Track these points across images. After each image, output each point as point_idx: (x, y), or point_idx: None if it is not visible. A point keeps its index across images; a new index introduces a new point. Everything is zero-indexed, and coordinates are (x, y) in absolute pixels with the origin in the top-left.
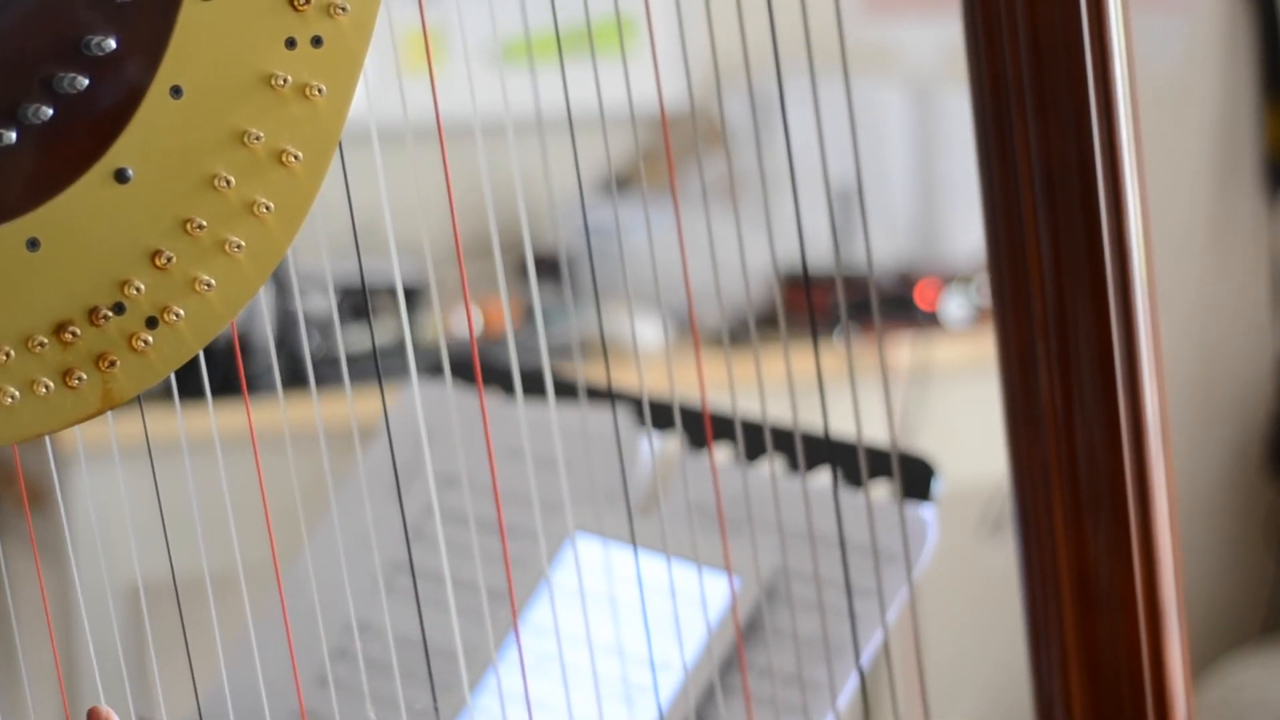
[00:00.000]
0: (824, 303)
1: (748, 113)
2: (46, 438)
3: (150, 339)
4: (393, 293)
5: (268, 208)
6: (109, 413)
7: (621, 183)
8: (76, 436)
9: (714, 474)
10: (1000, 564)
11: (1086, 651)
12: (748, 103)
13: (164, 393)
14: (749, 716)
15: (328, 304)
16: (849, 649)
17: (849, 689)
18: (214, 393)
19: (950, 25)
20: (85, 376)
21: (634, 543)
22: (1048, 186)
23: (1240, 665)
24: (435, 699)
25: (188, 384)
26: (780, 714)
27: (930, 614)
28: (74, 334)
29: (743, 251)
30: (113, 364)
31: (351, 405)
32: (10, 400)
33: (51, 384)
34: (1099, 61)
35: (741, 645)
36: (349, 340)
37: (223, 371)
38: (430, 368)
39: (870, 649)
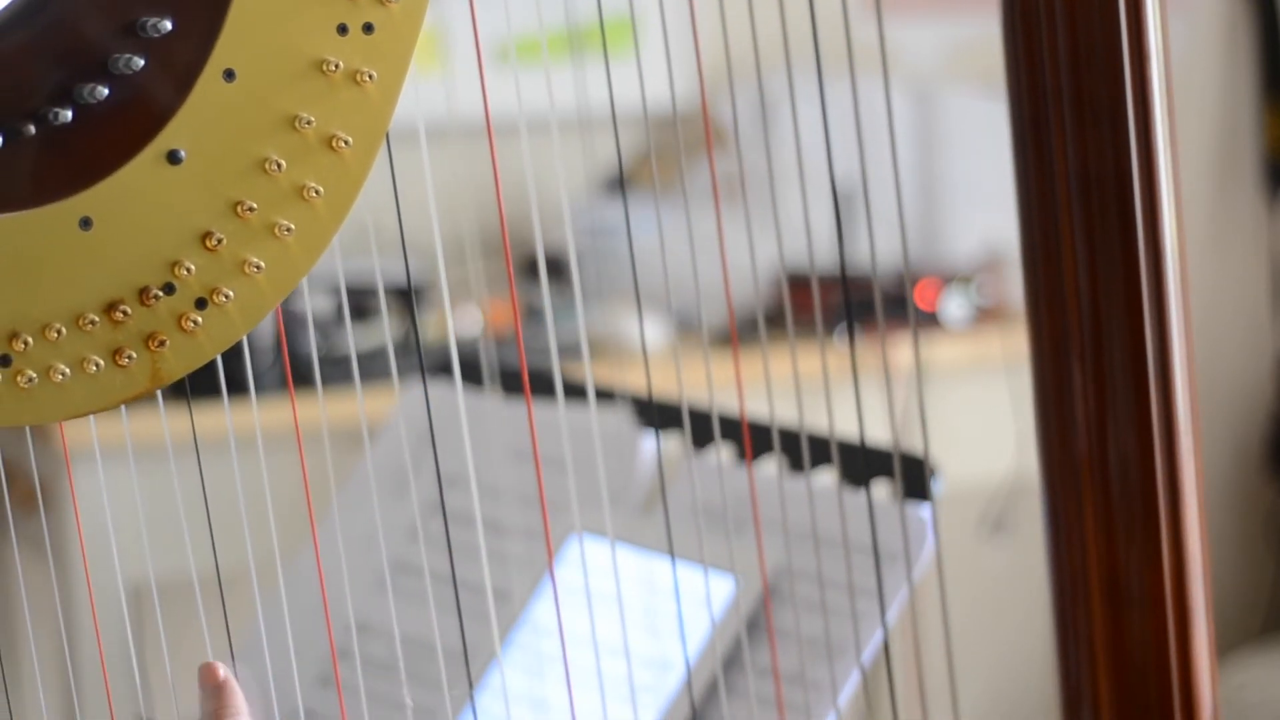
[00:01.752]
0: (825, 302)
1: (748, 113)
2: (58, 434)
3: (199, 319)
4: (393, 292)
5: (317, 192)
6: (110, 412)
7: (624, 182)
8: (79, 435)
9: (749, 475)
10: (1000, 564)
11: (1115, 651)
12: (749, 102)
13: (168, 392)
14: (751, 715)
15: (328, 304)
16: (850, 648)
17: (850, 688)
18: (215, 392)
19: (951, 25)
20: (135, 355)
21: (636, 542)
22: (1084, 188)
23: (1240, 665)
24: (447, 697)
25: (191, 383)
26: (781, 713)
27: (930, 614)
28: (124, 313)
29: (756, 250)
30: (162, 344)
31: (376, 403)
32: (60, 378)
33: (101, 362)
34: (1137, 65)
35: (772, 637)
36: (352, 340)
37: (225, 371)
38: (433, 367)
39: (871, 648)
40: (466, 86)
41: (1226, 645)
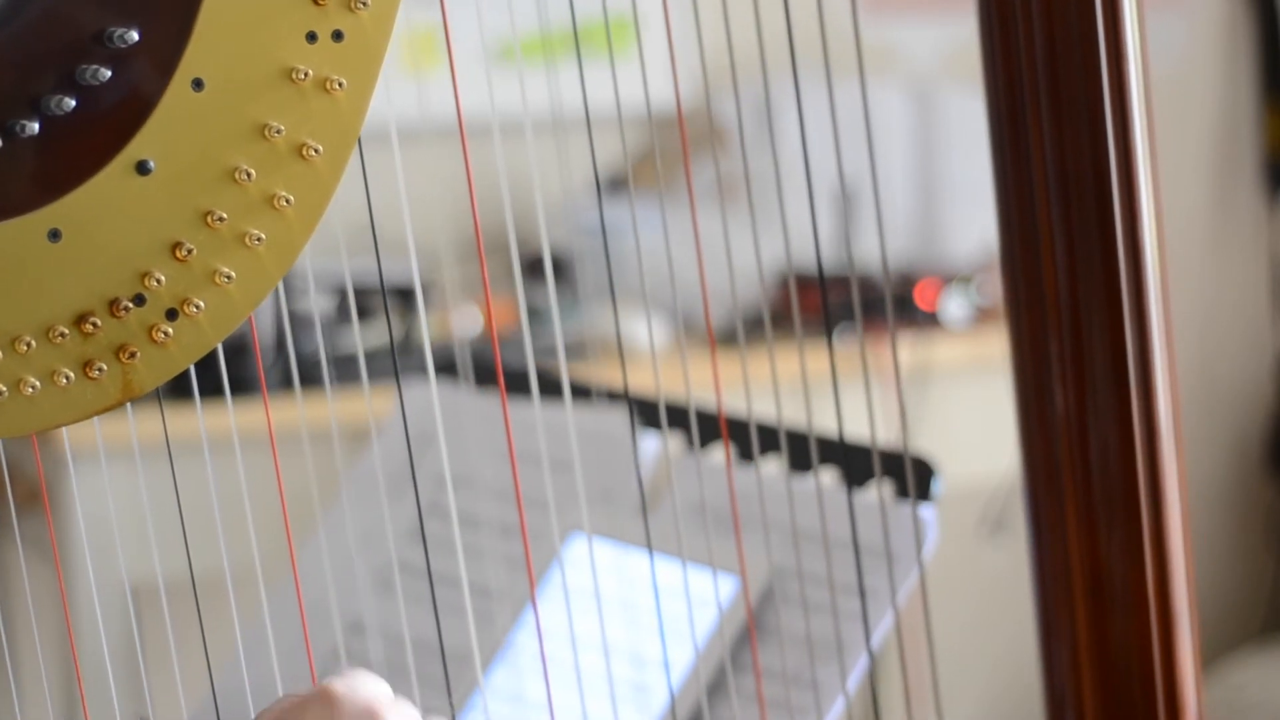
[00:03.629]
0: (821, 302)
1: (748, 113)
2: (58, 435)
3: (170, 330)
4: (394, 292)
5: (288, 201)
6: (108, 413)
7: (622, 183)
8: (76, 437)
9: (728, 476)
10: (1000, 564)
11: (1098, 651)
12: (748, 103)
13: (166, 393)
14: (749, 715)
15: (326, 304)
16: (849, 649)
17: (849, 689)
18: (212, 393)
19: (950, 25)
20: (105, 367)
21: (635, 542)
22: (1062, 185)
23: (1240, 665)
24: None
25: (186, 384)
26: (780, 713)
27: (929, 614)
28: (95, 325)
29: (751, 251)
30: (133, 355)
31: (373, 403)
32: (31, 390)
33: (72, 374)
34: (1114, 60)
35: (754, 641)
36: (348, 341)
37: (220, 372)
38: (431, 367)
39: (871, 648)
40: (464, 87)
41: (1226, 645)
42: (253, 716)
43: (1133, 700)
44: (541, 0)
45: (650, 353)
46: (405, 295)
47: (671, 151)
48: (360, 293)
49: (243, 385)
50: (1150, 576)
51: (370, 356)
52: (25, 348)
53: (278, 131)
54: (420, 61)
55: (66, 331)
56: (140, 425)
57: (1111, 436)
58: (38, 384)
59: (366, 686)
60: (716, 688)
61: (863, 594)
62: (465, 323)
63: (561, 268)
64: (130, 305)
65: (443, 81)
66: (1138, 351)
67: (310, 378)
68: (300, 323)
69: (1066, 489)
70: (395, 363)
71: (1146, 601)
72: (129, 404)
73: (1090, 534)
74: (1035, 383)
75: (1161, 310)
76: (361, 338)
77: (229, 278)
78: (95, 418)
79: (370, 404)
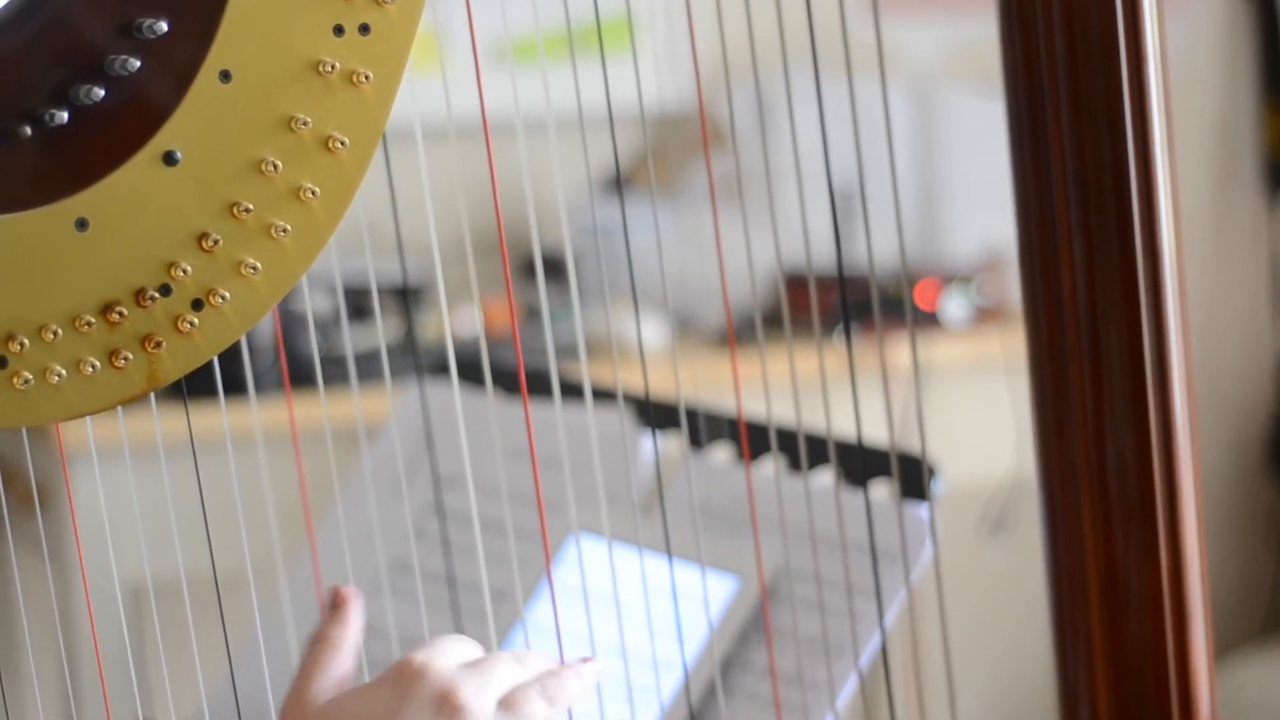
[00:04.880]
0: (824, 302)
1: (748, 112)
2: (66, 433)
3: (196, 321)
4: (394, 292)
5: (313, 193)
6: (112, 411)
7: (624, 182)
8: (78, 437)
9: (747, 476)
10: (1000, 564)
11: (1113, 651)
12: (748, 103)
13: (167, 392)
14: (750, 715)
15: (329, 303)
16: (850, 649)
17: (849, 689)
18: (214, 393)
19: (951, 25)
20: (131, 357)
21: (636, 542)
22: (1081, 187)
23: (1240, 665)
24: None
25: (190, 383)
26: (781, 714)
27: (929, 614)
28: (121, 314)
29: (759, 250)
30: (158, 345)
31: (376, 403)
32: (57, 379)
33: (98, 364)
34: (1134, 62)
35: (770, 637)
36: (351, 340)
37: (225, 371)
38: (433, 367)
39: (870, 649)
40: (465, 87)
41: (1226, 645)
42: (261, 713)
43: (1147, 701)
44: (542, 1)
45: (659, 352)
46: (408, 295)
47: (682, 150)
48: (362, 292)
49: (242, 386)
50: (1166, 578)
51: (371, 356)
52: (52, 336)
53: (304, 124)
54: (421, 61)
55: (93, 320)
56: (139, 425)
57: (1128, 437)
58: (64, 372)
59: (445, 658)
60: (719, 688)
61: (879, 593)
62: (470, 323)
63: (564, 268)
64: (156, 295)
65: (442, 82)
66: (1155, 353)
67: (312, 377)
68: (300, 322)
69: (1083, 489)
70: (419, 361)
71: (1162, 602)
72: (125, 405)
73: (1106, 534)
74: (1052, 384)
75: (1179, 312)
76: (366, 338)
77: (254, 269)
78: (98, 415)
79: (368, 404)
